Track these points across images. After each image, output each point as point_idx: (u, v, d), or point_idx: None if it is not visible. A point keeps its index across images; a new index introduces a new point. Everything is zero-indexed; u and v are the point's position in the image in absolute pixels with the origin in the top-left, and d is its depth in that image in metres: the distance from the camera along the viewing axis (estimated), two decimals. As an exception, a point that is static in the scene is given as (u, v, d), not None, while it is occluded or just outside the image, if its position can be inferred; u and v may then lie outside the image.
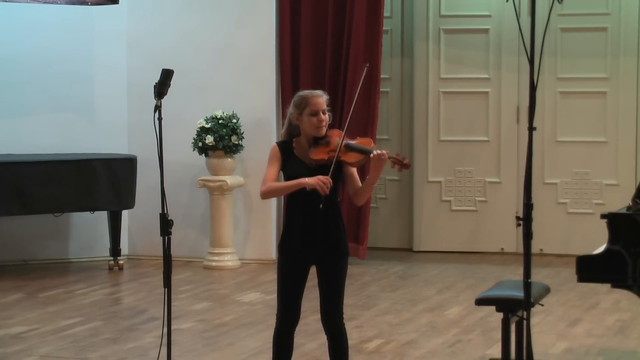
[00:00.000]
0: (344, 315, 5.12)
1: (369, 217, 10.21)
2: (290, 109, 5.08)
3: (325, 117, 5.02)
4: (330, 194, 4.96)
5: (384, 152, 4.90)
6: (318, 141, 5.02)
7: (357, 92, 5.31)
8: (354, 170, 5.07)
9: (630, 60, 10.41)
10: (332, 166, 4.90)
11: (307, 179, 4.89)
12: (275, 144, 5.12)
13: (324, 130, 5.02)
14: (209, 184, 9.93)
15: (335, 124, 9.91)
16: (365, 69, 5.37)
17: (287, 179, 5.06)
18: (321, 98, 5.04)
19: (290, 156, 5.05)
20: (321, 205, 4.89)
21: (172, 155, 9.50)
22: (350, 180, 5.06)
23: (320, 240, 5.02)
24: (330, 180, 4.86)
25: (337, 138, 4.99)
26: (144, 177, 9.98)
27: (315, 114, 4.99)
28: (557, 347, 6.88)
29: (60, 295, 8.74)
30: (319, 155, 4.97)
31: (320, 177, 4.87)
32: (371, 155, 4.90)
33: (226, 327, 7.54)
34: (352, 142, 4.99)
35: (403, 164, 4.93)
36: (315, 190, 4.88)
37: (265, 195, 5.04)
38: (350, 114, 5.23)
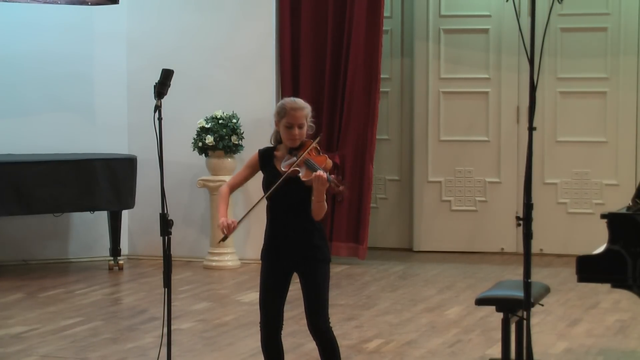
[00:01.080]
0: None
1: (369, 217, 10.20)
2: (274, 113, 5.12)
3: (300, 132, 5.01)
4: (302, 202, 4.98)
5: (324, 175, 4.85)
6: (292, 151, 5.04)
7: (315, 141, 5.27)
8: None
9: (630, 60, 10.41)
10: (283, 178, 4.92)
11: (220, 220, 5.02)
12: (258, 151, 5.15)
13: (297, 143, 5.02)
14: (209, 184, 9.94)
15: (335, 124, 9.99)
16: (317, 139, 5.25)
17: (264, 183, 5.09)
18: (300, 112, 5.02)
19: (269, 164, 5.08)
20: (218, 242, 5.09)
21: (172, 155, 9.50)
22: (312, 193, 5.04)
23: (294, 247, 5.03)
24: (235, 224, 4.97)
25: (304, 151, 4.99)
26: (144, 177, 9.98)
27: (290, 126, 5.01)
28: (557, 347, 6.88)
29: (60, 295, 8.74)
30: (286, 166, 5.00)
31: (227, 220, 4.97)
32: (313, 175, 4.89)
33: (226, 327, 7.54)
34: (311, 159, 4.97)
35: (337, 190, 4.91)
36: (285, 201, 4.96)
37: (218, 194, 5.14)
38: (319, 137, 5.20)
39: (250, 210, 5.09)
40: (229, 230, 4.96)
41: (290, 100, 5.10)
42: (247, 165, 5.16)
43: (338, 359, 5.12)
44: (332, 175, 4.93)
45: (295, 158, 4.99)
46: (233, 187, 5.17)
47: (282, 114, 5.03)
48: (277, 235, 5.06)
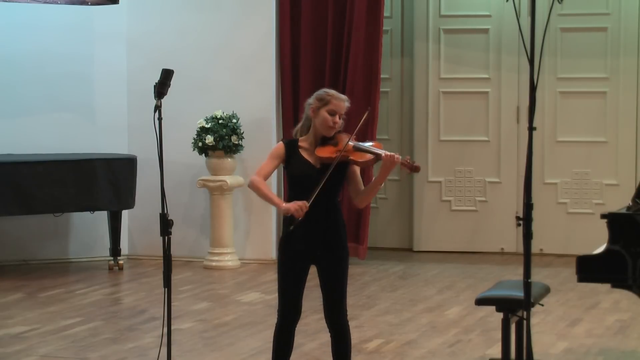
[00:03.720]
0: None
1: (369, 217, 10.21)
2: (311, 100, 5.10)
3: (340, 122, 5.06)
4: (331, 195, 5.02)
5: (396, 154, 4.94)
6: (327, 141, 5.05)
7: (355, 132, 5.26)
8: (357, 172, 5.09)
9: (630, 60, 10.41)
10: (335, 164, 4.93)
11: (284, 205, 4.95)
12: (282, 142, 5.15)
13: (333, 132, 5.06)
14: (209, 184, 9.93)
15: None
16: (367, 113, 5.28)
17: (290, 177, 5.08)
18: (344, 103, 5.08)
19: (295, 154, 5.07)
20: (291, 228, 4.97)
21: (172, 155, 9.49)
22: (354, 182, 5.08)
23: (319, 240, 5.04)
24: (307, 205, 4.89)
25: (346, 139, 5.02)
26: (144, 177, 9.98)
27: (332, 113, 5.03)
28: (557, 347, 6.88)
29: (60, 295, 8.74)
30: (326, 153, 5.01)
31: (298, 202, 4.91)
32: (383, 155, 4.93)
33: (226, 327, 7.54)
34: (362, 143, 5.03)
35: (413, 167, 4.97)
36: (321, 192, 4.93)
37: (251, 187, 5.08)
38: (361, 122, 5.20)
39: (318, 189, 4.95)
40: (303, 210, 4.89)
41: (333, 90, 5.15)
42: (273, 156, 5.11)
43: (349, 352, 5.16)
44: (398, 154, 4.98)
45: (334, 146, 4.99)
46: (265, 178, 5.08)
47: (326, 100, 5.05)
48: (306, 227, 5.00)
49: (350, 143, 4.99)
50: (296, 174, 5.04)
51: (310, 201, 4.91)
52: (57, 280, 9.44)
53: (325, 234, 5.04)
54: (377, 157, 4.97)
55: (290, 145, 5.10)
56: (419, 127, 10.95)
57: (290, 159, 5.07)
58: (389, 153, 4.94)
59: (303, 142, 5.09)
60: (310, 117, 5.08)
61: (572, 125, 10.59)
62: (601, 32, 10.50)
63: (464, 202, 10.90)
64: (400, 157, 4.96)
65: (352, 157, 4.98)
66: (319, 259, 5.08)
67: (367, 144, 5.06)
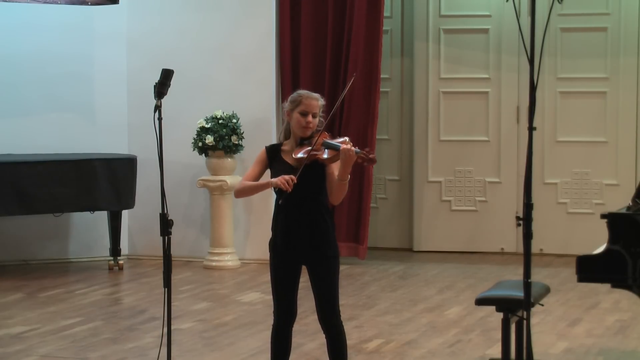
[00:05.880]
0: (341, 315, 5.14)
1: (369, 217, 10.20)
2: (285, 104, 5.16)
3: (314, 121, 5.07)
4: (315, 194, 5.03)
5: (352, 147, 4.90)
6: (303, 142, 5.07)
7: (340, 98, 5.39)
8: (334, 170, 5.06)
9: (630, 60, 10.41)
10: (303, 165, 4.94)
11: (272, 179, 4.98)
12: (265, 147, 5.19)
13: (309, 132, 5.06)
14: (209, 184, 9.94)
15: (335, 124, 9.98)
16: (352, 79, 5.35)
17: (273, 178, 5.08)
18: (315, 101, 5.08)
19: (277, 158, 5.11)
20: (280, 201, 4.98)
21: (172, 155, 9.50)
22: (329, 179, 5.06)
23: (305, 241, 5.05)
24: (294, 179, 4.89)
25: (321, 137, 5.02)
26: (144, 177, 9.98)
27: (304, 114, 5.05)
28: (557, 347, 6.88)
29: (60, 295, 8.75)
30: (299, 153, 5.02)
31: (285, 176, 4.91)
32: (339, 149, 4.91)
33: (226, 327, 7.54)
34: (331, 141, 5.01)
35: (368, 158, 4.92)
36: (298, 192, 4.94)
37: (237, 193, 5.19)
38: (332, 112, 5.30)
39: (311, 150, 4.98)
40: (290, 183, 4.89)
41: (305, 91, 5.17)
42: (257, 161, 5.17)
43: (345, 354, 5.15)
44: (354, 147, 4.95)
45: (309, 146, 4.99)
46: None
47: (297, 102, 5.08)
48: (289, 228, 5.05)
49: (321, 140, 4.99)
50: (277, 175, 5.05)
51: (297, 176, 4.90)
52: (57, 280, 9.44)
53: (312, 234, 5.05)
54: (338, 151, 4.93)
55: (272, 150, 5.14)
56: (419, 127, 10.95)
57: (273, 163, 5.11)
58: (345, 146, 4.91)
59: (285, 146, 5.14)
60: (287, 120, 5.12)
61: (572, 125, 10.59)
62: (601, 32, 10.50)
63: (464, 202, 10.90)
64: (357, 149, 4.91)
65: (319, 156, 4.97)
66: (307, 260, 5.08)
67: (336, 141, 5.03)
